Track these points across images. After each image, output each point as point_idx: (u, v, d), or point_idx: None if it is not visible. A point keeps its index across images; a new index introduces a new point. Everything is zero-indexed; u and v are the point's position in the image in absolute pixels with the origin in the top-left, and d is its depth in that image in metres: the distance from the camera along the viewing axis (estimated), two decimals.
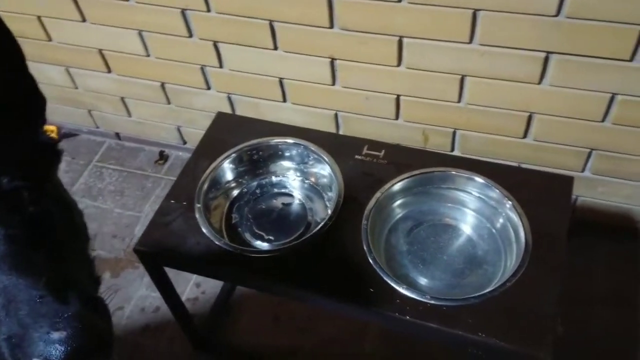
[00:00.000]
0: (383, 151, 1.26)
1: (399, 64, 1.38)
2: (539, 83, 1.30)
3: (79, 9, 1.57)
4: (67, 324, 0.56)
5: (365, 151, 1.26)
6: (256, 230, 1.22)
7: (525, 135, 1.44)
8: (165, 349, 1.52)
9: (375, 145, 1.28)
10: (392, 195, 1.19)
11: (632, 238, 1.60)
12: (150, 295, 1.61)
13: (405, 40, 1.32)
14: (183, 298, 1.50)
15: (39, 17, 1.65)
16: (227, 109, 1.71)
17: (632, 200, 1.52)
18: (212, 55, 1.55)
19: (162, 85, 1.73)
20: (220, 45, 1.52)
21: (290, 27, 1.39)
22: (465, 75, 1.34)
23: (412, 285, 1.08)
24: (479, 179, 1.18)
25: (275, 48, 1.46)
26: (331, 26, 1.35)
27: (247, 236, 1.22)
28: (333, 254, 1.11)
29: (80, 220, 0.74)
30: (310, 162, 1.29)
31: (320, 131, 1.35)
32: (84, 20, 1.60)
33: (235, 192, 1.29)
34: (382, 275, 1.05)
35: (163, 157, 1.98)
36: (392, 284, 1.04)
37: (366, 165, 1.24)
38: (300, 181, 1.30)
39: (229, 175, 1.29)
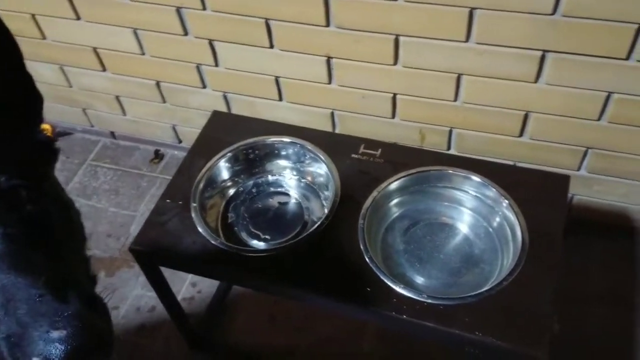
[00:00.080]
0: (380, 150, 1.25)
1: (395, 63, 1.37)
2: (535, 82, 1.30)
3: (74, 7, 1.56)
4: (67, 323, 0.55)
5: (361, 150, 1.26)
6: (252, 230, 1.22)
7: (521, 134, 1.44)
8: (161, 349, 1.51)
9: (371, 144, 1.27)
10: (388, 194, 1.19)
11: (627, 236, 1.60)
12: (146, 294, 1.61)
13: (401, 38, 1.32)
14: (179, 297, 1.50)
15: (33, 15, 1.64)
16: (222, 108, 1.70)
17: (628, 198, 1.52)
18: (208, 53, 1.54)
19: (158, 84, 1.72)
20: (215, 43, 1.51)
21: (286, 26, 1.38)
22: (462, 74, 1.34)
23: (409, 284, 1.08)
24: (476, 178, 1.18)
25: (271, 46, 1.46)
26: (327, 24, 1.34)
27: (244, 235, 1.21)
28: (330, 253, 1.10)
29: (77, 220, 0.74)
30: (307, 161, 1.28)
31: (317, 130, 1.35)
32: (78, 18, 1.59)
33: (232, 191, 1.29)
34: (378, 274, 1.05)
35: (158, 156, 1.97)
36: (389, 283, 1.04)
37: (363, 164, 1.23)
38: (297, 180, 1.30)
39: (224, 174, 1.28)
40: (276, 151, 1.30)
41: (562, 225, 1.10)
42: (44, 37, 1.69)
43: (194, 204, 1.19)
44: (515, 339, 0.97)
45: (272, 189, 1.30)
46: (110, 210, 1.83)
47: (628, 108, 1.29)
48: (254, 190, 1.29)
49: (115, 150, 2.01)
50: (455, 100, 1.41)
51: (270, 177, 1.31)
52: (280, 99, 1.61)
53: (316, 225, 1.14)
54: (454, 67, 1.33)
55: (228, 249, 1.12)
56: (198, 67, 1.61)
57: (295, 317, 1.54)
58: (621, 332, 1.45)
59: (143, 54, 1.62)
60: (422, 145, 1.57)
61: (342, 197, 1.17)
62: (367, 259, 1.07)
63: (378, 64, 1.39)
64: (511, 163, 1.52)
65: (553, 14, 1.16)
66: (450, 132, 1.51)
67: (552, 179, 1.19)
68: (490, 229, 1.17)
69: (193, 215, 1.17)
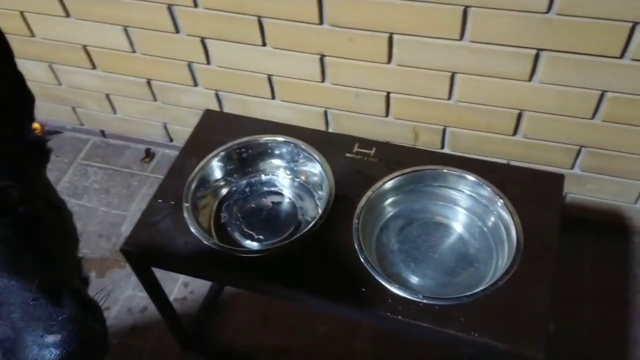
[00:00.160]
0: (374, 149, 1.25)
1: (389, 61, 1.37)
2: (529, 80, 1.30)
3: (63, 4, 1.54)
4: (61, 327, 0.54)
5: (356, 149, 1.25)
6: (246, 230, 1.21)
7: (515, 133, 1.44)
8: (153, 349, 1.50)
9: (365, 143, 1.27)
10: (383, 193, 1.19)
11: (620, 235, 1.61)
12: (138, 295, 1.59)
13: (395, 37, 1.31)
14: (171, 298, 1.49)
15: (21, 12, 1.62)
16: (214, 106, 1.69)
17: (621, 197, 1.53)
18: (200, 51, 1.53)
19: (148, 82, 1.70)
20: (207, 41, 1.50)
21: (279, 23, 1.37)
22: (456, 73, 1.34)
23: (404, 284, 1.08)
24: (471, 177, 1.17)
25: (264, 44, 1.45)
26: (321, 22, 1.33)
27: (237, 236, 1.20)
28: (324, 253, 1.10)
29: (70, 221, 0.72)
30: (301, 160, 1.27)
31: (310, 129, 1.34)
32: (68, 15, 1.57)
33: (224, 191, 1.27)
34: (373, 274, 1.04)
35: (149, 154, 1.95)
36: (384, 283, 1.03)
37: (357, 163, 1.23)
38: (290, 179, 1.29)
39: (217, 174, 1.27)
40: (269, 150, 1.29)
41: (557, 225, 1.10)
42: (32, 35, 1.67)
43: (187, 204, 1.18)
44: (511, 339, 0.96)
45: (265, 189, 1.29)
46: (101, 209, 1.81)
47: (622, 107, 1.29)
48: (247, 189, 1.28)
49: (105, 149, 1.99)
50: (449, 98, 1.41)
51: (263, 177, 1.30)
52: (273, 97, 1.59)
53: (310, 225, 1.13)
54: (448, 66, 1.33)
55: (221, 249, 1.11)
56: (189, 65, 1.59)
57: (289, 318, 1.53)
58: (615, 329, 1.46)
59: (134, 51, 1.61)
60: (415, 144, 1.56)
61: (336, 196, 1.17)
62: (361, 259, 1.06)
63: (372, 62, 1.38)
64: (504, 162, 1.52)
65: (547, 12, 1.16)
66: (444, 130, 1.50)
67: (547, 179, 1.18)
68: (485, 229, 1.17)
69: (185, 215, 1.16)
